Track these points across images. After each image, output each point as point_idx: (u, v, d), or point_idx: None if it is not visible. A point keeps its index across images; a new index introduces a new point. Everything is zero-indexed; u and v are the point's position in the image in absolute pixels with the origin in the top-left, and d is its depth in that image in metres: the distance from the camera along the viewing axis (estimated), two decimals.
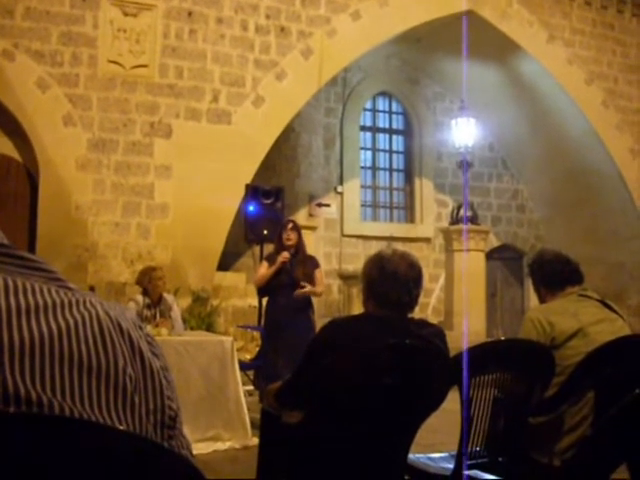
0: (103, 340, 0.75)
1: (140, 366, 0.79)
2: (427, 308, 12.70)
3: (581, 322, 3.10)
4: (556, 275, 3.32)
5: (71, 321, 0.73)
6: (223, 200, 9.65)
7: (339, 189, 13.35)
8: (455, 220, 11.74)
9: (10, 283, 0.72)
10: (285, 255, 6.08)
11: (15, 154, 9.36)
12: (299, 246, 6.21)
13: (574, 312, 3.15)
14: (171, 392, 0.83)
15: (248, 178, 9.70)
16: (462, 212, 11.61)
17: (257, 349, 7.85)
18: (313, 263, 6.26)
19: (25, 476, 0.61)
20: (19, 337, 0.69)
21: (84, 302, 0.76)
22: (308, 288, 6.04)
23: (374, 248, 11.75)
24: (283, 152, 11.78)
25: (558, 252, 3.43)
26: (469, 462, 2.87)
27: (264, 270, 6.23)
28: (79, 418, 0.70)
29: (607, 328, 3.09)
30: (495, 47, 12.18)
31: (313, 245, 10.15)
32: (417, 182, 14.32)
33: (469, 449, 2.88)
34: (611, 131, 12.73)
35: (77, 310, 0.75)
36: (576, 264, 3.37)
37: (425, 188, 14.28)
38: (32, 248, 8.75)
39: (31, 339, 0.69)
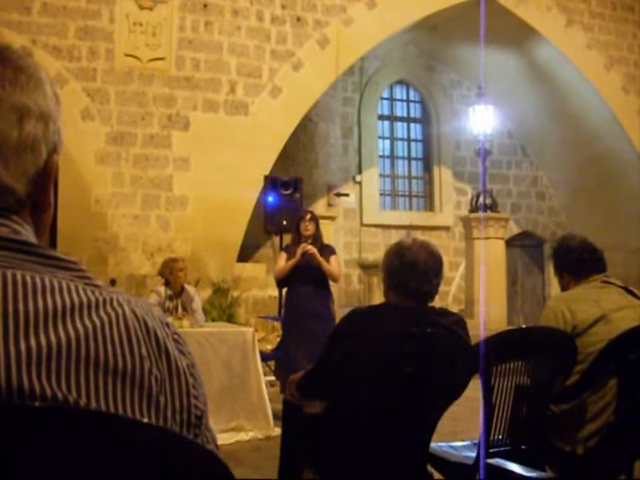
0: (129, 341, 0.76)
1: (166, 366, 0.79)
2: (447, 297, 12.67)
3: (603, 309, 3.08)
4: (582, 263, 3.24)
5: (97, 322, 0.74)
6: (242, 191, 9.66)
7: (358, 178, 13.32)
8: (474, 208, 11.68)
9: (38, 282, 0.72)
10: (309, 248, 6.05)
11: None
12: (316, 236, 6.22)
13: (596, 299, 3.12)
14: (198, 390, 0.83)
15: (266, 169, 9.70)
16: (481, 200, 11.55)
17: (278, 340, 7.87)
18: (329, 250, 6.26)
19: (54, 468, 0.62)
20: (46, 341, 0.69)
21: (111, 301, 0.77)
22: (315, 250, 6.04)
23: (394, 237, 11.76)
24: (301, 142, 11.77)
25: (584, 239, 3.34)
26: (491, 450, 2.86)
27: (283, 262, 6.24)
28: (105, 411, 0.71)
29: (630, 315, 3.06)
30: (512, 33, 12.06)
31: (332, 235, 10.15)
32: (436, 170, 14.25)
33: (491, 437, 2.88)
34: (632, 116, 12.58)
35: (104, 310, 0.75)
36: (601, 252, 3.31)
37: (444, 176, 14.21)
38: (53, 242, 8.80)
39: (58, 342, 0.70)
